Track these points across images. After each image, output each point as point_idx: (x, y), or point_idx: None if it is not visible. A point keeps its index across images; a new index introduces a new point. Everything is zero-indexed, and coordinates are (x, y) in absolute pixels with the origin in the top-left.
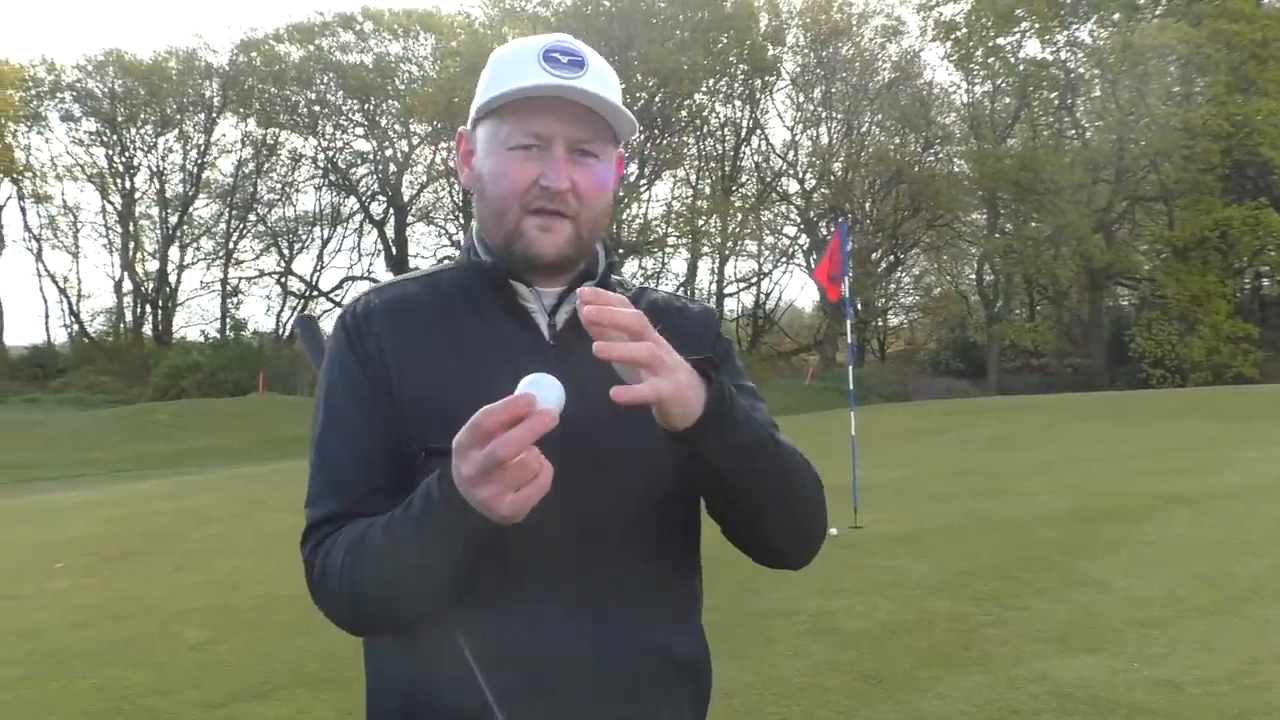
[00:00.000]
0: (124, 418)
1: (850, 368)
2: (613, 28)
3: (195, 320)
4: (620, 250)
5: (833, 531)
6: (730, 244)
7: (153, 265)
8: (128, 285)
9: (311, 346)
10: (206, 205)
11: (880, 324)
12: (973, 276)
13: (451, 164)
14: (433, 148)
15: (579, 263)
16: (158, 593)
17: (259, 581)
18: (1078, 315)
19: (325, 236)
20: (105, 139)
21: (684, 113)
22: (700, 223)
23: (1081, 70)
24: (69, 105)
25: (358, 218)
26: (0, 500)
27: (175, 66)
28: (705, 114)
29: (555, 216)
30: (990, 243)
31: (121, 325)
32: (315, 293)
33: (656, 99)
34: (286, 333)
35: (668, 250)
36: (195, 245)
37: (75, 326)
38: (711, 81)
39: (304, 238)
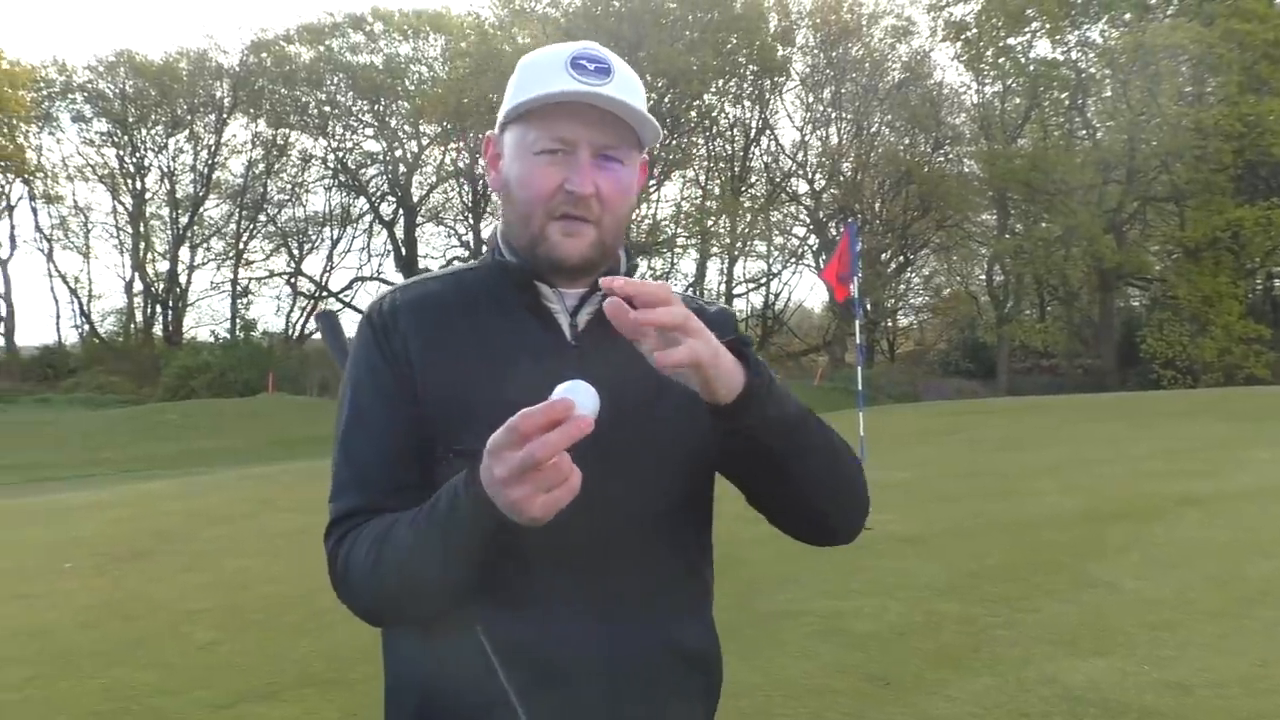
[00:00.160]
0: (134, 418)
1: (859, 368)
2: (622, 28)
3: (205, 320)
4: (628, 251)
5: None
6: (739, 244)
7: (163, 266)
8: (138, 285)
9: (332, 341)
10: (217, 206)
11: (890, 324)
12: (983, 277)
13: (461, 164)
14: (442, 148)
15: (601, 266)
16: (166, 593)
17: (267, 582)
18: (1088, 316)
19: (335, 237)
20: (116, 139)
21: (693, 113)
22: (709, 223)
23: (1092, 70)
24: (80, 106)
25: (367, 218)
26: (11, 500)
27: (186, 67)
28: (714, 114)
29: (579, 221)
30: (1000, 243)
31: (132, 325)
32: (325, 293)
33: (666, 99)
34: (296, 333)
35: (677, 251)
36: (205, 246)
37: (86, 327)
38: (721, 82)
39: (314, 238)
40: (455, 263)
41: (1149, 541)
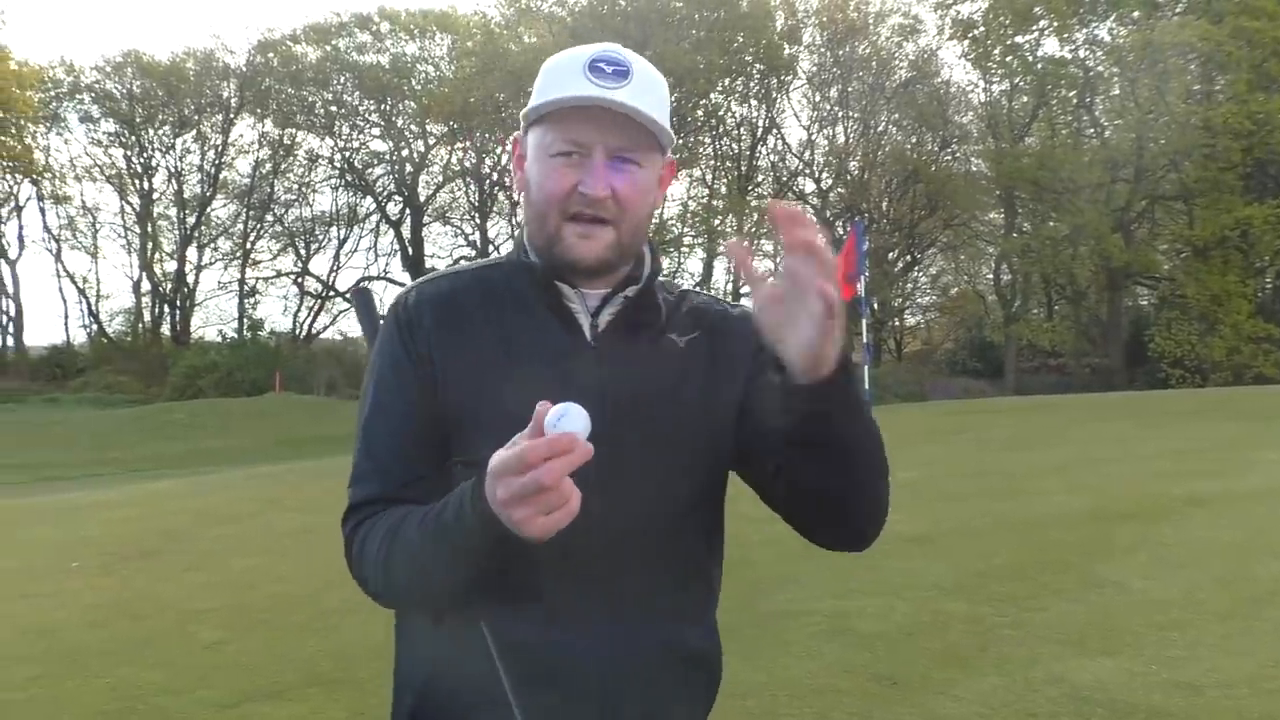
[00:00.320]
0: (141, 417)
1: (866, 367)
2: (628, 27)
3: (213, 320)
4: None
5: None
6: (746, 243)
7: (170, 265)
8: (146, 285)
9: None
10: (224, 205)
11: (897, 324)
12: (990, 276)
13: (467, 164)
14: (449, 148)
15: (621, 267)
16: (173, 592)
17: (274, 581)
18: (1096, 315)
19: (342, 237)
20: (123, 140)
21: (700, 112)
22: (716, 222)
23: (1100, 68)
24: (88, 106)
25: (374, 218)
26: (19, 499)
27: (193, 67)
28: (721, 113)
29: (595, 223)
30: (1008, 242)
31: (139, 325)
32: (331, 292)
33: (672, 98)
34: (304, 333)
35: (684, 250)
36: (213, 245)
37: (94, 327)
38: (727, 81)
39: (320, 238)
40: (476, 259)
41: (1157, 541)
